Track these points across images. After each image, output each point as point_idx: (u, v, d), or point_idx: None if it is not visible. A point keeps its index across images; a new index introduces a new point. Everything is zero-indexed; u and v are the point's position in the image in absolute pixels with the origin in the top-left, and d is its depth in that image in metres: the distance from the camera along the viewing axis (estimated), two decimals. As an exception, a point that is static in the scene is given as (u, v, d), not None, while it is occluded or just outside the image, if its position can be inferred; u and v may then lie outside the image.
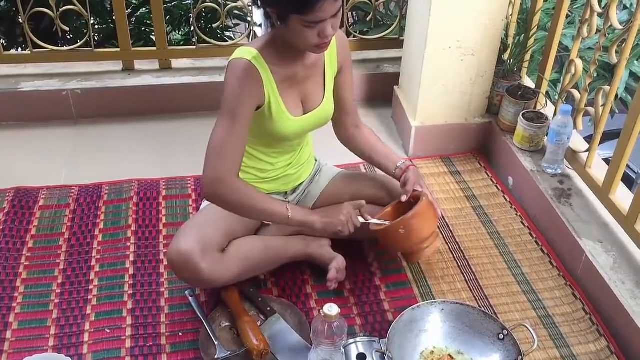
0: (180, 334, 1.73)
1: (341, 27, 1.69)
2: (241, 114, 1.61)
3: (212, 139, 1.64)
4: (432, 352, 1.65)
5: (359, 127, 1.95)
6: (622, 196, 1.95)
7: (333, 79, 1.81)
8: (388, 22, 3.26)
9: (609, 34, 2.15)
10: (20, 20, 2.57)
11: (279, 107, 1.68)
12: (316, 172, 2.00)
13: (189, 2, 2.96)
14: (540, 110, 2.32)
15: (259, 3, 1.56)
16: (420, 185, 1.82)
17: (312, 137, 1.97)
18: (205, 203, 1.88)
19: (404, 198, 1.80)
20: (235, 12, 3.98)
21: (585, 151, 2.11)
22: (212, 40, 2.75)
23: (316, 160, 2.02)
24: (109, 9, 3.95)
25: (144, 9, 4.21)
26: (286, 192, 1.93)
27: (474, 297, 1.88)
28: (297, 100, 1.75)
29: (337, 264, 1.85)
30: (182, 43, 4.67)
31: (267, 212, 1.66)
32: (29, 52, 2.66)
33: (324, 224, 1.69)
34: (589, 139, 2.12)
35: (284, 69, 1.67)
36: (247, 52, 1.62)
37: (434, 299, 1.84)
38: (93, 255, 1.98)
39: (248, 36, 2.81)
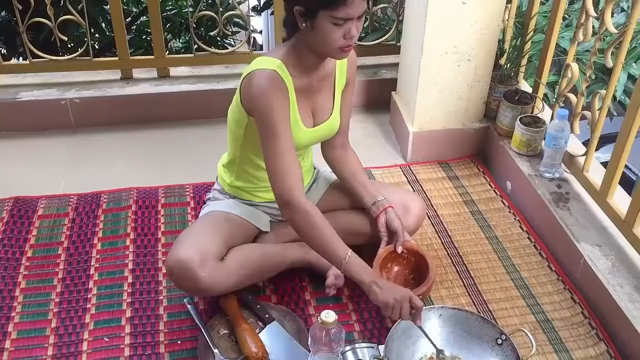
0: (179, 342, 1.73)
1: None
2: (281, 126, 1.60)
3: (266, 160, 1.63)
4: (430, 358, 1.64)
5: (345, 149, 1.93)
6: (620, 200, 1.95)
7: (341, 92, 1.81)
8: (385, 27, 3.26)
9: (605, 37, 2.16)
10: (20, 30, 2.59)
11: (294, 118, 1.68)
12: (315, 180, 2.00)
13: (189, 10, 2.97)
14: (538, 115, 2.32)
15: (285, 4, 1.56)
16: (401, 229, 1.81)
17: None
18: (204, 211, 1.88)
19: (399, 249, 1.80)
20: (235, 19, 4.00)
21: (582, 155, 2.12)
22: (210, 48, 2.76)
23: (315, 168, 2.02)
24: (108, 18, 3.97)
25: (144, 17, 4.23)
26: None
27: (473, 302, 1.88)
28: (308, 111, 1.75)
29: (335, 270, 1.85)
30: (182, 51, 4.69)
31: (326, 248, 1.63)
32: (28, 62, 2.68)
33: (372, 293, 1.56)
34: (586, 142, 2.12)
35: (301, 80, 1.68)
36: (270, 62, 1.61)
37: (432, 304, 1.84)
38: (92, 263, 1.98)
39: (247, 43, 2.83)
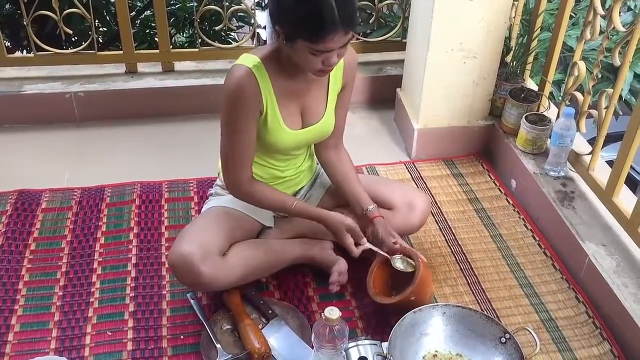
0: (182, 336, 1.73)
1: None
2: (241, 122, 1.63)
3: (221, 151, 1.71)
4: (434, 356, 1.64)
5: (338, 150, 1.91)
6: (626, 199, 1.94)
7: (336, 95, 1.80)
8: (391, 23, 3.25)
9: (612, 36, 2.15)
10: (24, 23, 2.58)
11: (275, 119, 1.68)
12: (317, 176, 2.00)
13: (193, 4, 2.96)
14: (543, 113, 2.31)
15: (270, 19, 1.55)
16: (393, 235, 1.78)
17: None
18: (206, 206, 1.88)
19: (398, 265, 1.76)
20: (240, 14, 3.98)
21: (588, 154, 2.11)
22: (215, 43, 2.76)
23: (317, 165, 2.01)
24: (113, 11, 3.96)
25: (148, 11, 4.22)
26: (287, 197, 1.93)
27: (476, 300, 1.87)
28: (296, 113, 1.74)
29: (339, 266, 1.84)
30: (186, 45, 4.68)
31: (276, 204, 1.78)
32: (33, 55, 2.67)
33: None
34: (592, 141, 2.11)
35: (285, 81, 1.67)
36: (249, 60, 1.62)
37: (436, 302, 1.83)
38: (95, 257, 1.98)
39: (252, 38, 2.82)
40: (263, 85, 1.62)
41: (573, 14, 3.47)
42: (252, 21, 2.85)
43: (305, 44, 1.47)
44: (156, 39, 2.80)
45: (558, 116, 2.20)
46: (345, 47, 1.52)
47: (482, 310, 1.81)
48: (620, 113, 3.66)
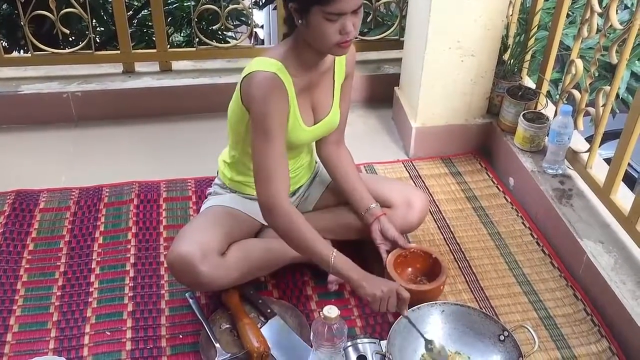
0: (181, 336, 1.73)
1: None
2: (275, 131, 1.59)
3: (254, 162, 1.62)
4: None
5: (339, 146, 1.90)
6: (623, 196, 1.95)
7: (340, 87, 1.80)
8: (389, 22, 3.25)
9: (609, 34, 2.15)
10: (22, 23, 2.58)
11: (295, 118, 1.68)
12: (315, 175, 2.00)
13: (191, 3, 2.96)
14: (541, 111, 2.32)
15: (282, 0, 1.55)
16: (399, 237, 1.79)
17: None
18: (205, 205, 1.88)
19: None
20: (237, 13, 3.99)
21: (586, 151, 2.11)
22: (212, 42, 2.75)
23: (316, 163, 2.02)
24: (110, 11, 3.96)
25: (145, 10, 4.22)
26: (286, 195, 1.92)
27: (475, 298, 1.88)
28: (309, 109, 1.74)
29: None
30: (184, 45, 4.68)
31: (311, 251, 1.63)
32: (30, 55, 2.67)
33: (360, 287, 1.59)
34: (589, 139, 2.12)
35: (302, 78, 1.66)
36: (271, 64, 1.60)
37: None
38: (93, 257, 1.98)
39: (249, 37, 2.81)
40: (289, 88, 1.61)
41: (570, 13, 3.48)
42: (250, 20, 2.85)
43: (319, 8, 1.46)
44: (153, 38, 2.79)
45: (556, 114, 2.21)
46: (358, 16, 1.51)
47: (481, 308, 1.81)
48: (617, 111, 3.67)
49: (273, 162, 1.59)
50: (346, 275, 1.61)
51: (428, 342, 1.59)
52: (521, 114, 2.27)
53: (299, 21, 1.53)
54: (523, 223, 2.17)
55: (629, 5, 3.68)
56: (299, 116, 1.68)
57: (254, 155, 1.62)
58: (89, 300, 1.83)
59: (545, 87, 2.38)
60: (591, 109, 2.04)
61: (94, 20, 3.81)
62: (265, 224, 1.85)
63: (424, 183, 2.37)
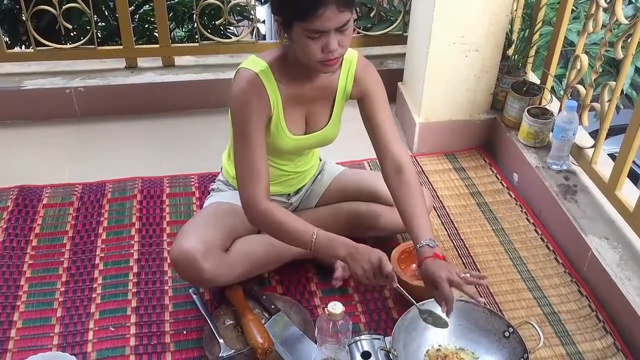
0: (185, 332, 1.73)
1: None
2: (252, 131, 1.58)
3: (235, 162, 1.62)
4: (437, 350, 1.64)
5: (400, 176, 1.71)
6: (628, 192, 1.94)
7: (343, 103, 1.77)
8: (392, 18, 3.24)
9: (614, 29, 2.14)
10: (24, 18, 2.57)
11: (278, 124, 1.66)
12: (319, 172, 1.99)
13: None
14: (545, 106, 2.31)
15: (271, 12, 1.54)
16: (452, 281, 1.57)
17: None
18: (208, 201, 1.87)
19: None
20: (239, 8, 3.97)
21: (590, 147, 2.10)
22: (215, 37, 2.75)
23: (320, 160, 2.01)
24: (112, 6, 3.95)
25: (147, 6, 4.20)
26: (289, 194, 1.92)
27: (479, 294, 1.87)
28: (300, 119, 1.72)
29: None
30: (185, 40, 4.67)
31: (294, 240, 1.62)
32: (32, 50, 2.66)
33: (349, 254, 1.56)
34: (594, 134, 2.11)
35: (291, 86, 1.64)
36: (256, 64, 1.59)
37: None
38: (97, 253, 1.98)
39: (252, 33, 2.80)
40: (270, 90, 1.60)
41: (575, 8, 3.47)
42: (252, 15, 2.84)
43: (300, 25, 1.43)
44: (155, 33, 2.79)
45: (560, 109, 2.20)
46: (345, 34, 1.47)
47: (485, 304, 1.80)
48: (622, 107, 3.66)
49: (250, 163, 1.59)
50: (333, 254, 1.60)
51: (422, 313, 1.58)
52: (525, 110, 2.26)
53: (284, 35, 1.51)
54: (527, 219, 2.17)
55: (634, 0, 3.66)
56: (283, 122, 1.66)
57: (234, 153, 1.63)
58: (93, 296, 1.83)
59: (550, 82, 2.37)
60: (596, 104, 2.03)
61: (95, 16, 3.79)
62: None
63: (427, 179, 2.37)
